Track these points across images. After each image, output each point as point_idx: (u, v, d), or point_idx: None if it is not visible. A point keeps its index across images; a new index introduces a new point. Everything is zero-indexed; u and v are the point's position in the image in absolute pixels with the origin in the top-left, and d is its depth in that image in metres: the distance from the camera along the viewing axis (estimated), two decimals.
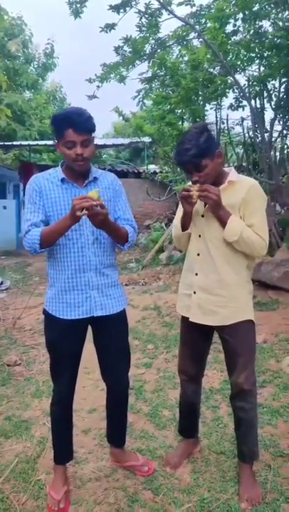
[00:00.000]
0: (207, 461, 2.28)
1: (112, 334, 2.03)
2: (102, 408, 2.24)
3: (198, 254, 2.02)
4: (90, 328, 2.04)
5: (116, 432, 2.24)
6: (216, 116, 6.54)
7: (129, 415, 2.55)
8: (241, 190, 1.90)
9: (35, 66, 16.65)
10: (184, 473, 2.19)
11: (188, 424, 2.33)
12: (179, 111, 6.86)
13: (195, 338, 2.14)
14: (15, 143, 12.77)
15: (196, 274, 2.03)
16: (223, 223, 1.89)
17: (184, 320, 2.13)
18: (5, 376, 3.39)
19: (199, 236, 2.00)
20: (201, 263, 2.00)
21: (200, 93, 6.21)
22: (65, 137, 1.78)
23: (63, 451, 2.13)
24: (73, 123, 1.76)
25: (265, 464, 2.23)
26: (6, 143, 12.58)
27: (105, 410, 2.25)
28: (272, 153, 5.93)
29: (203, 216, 1.98)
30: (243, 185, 1.92)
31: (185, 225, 2.06)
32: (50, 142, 11.80)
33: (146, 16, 5.10)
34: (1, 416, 2.79)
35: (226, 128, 6.56)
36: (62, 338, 1.96)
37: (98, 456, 2.35)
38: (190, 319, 2.06)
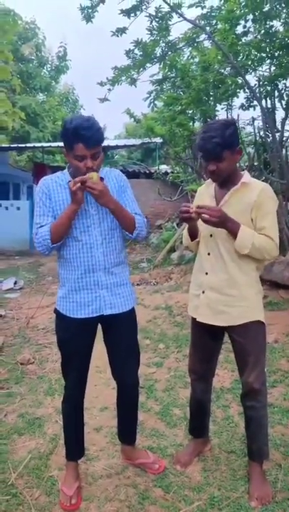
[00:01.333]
0: (217, 460, 2.30)
1: (122, 332, 2.06)
2: (113, 406, 2.28)
3: (208, 254, 2.04)
4: (100, 326, 2.08)
5: (126, 429, 2.28)
6: (227, 117, 6.54)
7: (140, 414, 2.59)
8: (253, 192, 1.92)
9: (48, 69, 16.85)
10: (194, 472, 2.22)
11: (198, 423, 2.35)
12: (190, 112, 6.86)
13: (205, 340, 2.16)
14: (28, 145, 12.95)
15: (206, 274, 2.05)
16: (233, 235, 1.90)
17: (194, 321, 2.14)
18: (18, 374, 3.45)
19: (210, 236, 2.01)
20: (212, 262, 2.02)
21: (211, 94, 6.21)
22: (74, 150, 1.80)
23: (75, 447, 2.17)
24: (83, 138, 1.76)
25: (275, 463, 2.24)
26: (19, 145, 12.77)
27: (116, 408, 2.28)
28: (283, 152, 5.90)
29: None
30: (255, 187, 1.94)
31: (193, 236, 2.10)
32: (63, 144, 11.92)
33: (157, 19, 5.11)
34: (14, 413, 2.85)
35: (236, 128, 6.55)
36: (73, 337, 2.00)
37: (109, 454, 2.39)
38: (197, 319, 2.08)
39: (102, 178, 1.88)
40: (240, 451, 2.35)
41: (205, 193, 2.13)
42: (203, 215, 1.85)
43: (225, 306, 1.99)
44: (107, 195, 1.84)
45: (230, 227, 1.89)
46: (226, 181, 1.99)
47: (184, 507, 1.97)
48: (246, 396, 2.06)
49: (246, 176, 1.99)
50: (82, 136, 1.76)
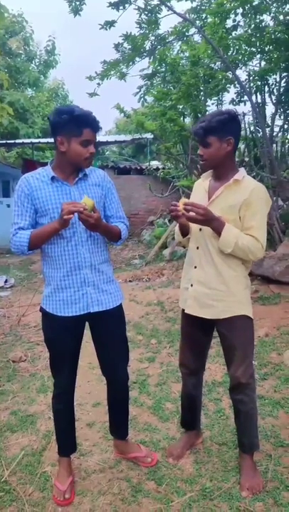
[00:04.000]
0: (209, 452, 2.33)
1: (110, 329, 2.06)
2: (106, 402, 2.28)
3: (197, 248, 2.05)
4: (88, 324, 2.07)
5: (118, 424, 2.29)
6: None
7: (133, 408, 2.61)
8: (245, 190, 1.91)
9: (37, 63, 16.66)
10: (186, 464, 2.24)
11: (189, 416, 2.37)
12: (180, 107, 6.85)
13: (195, 332, 2.17)
14: (18, 141, 12.82)
15: (195, 267, 2.06)
16: (218, 233, 1.90)
17: (184, 313, 2.16)
18: (10, 372, 3.45)
19: (200, 230, 2.02)
20: (200, 257, 2.03)
21: (201, 89, 6.20)
22: (83, 135, 1.81)
23: (66, 443, 2.19)
24: (91, 122, 1.81)
25: (266, 454, 2.27)
26: (8, 141, 12.63)
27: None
28: (273, 148, 5.93)
29: None
30: (247, 186, 1.92)
31: (184, 232, 2.11)
32: (53, 140, 11.82)
33: (146, 12, 5.10)
34: (7, 411, 2.84)
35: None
36: (60, 335, 1.99)
37: (102, 449, 2.40)
38: (186, 311, 2.10)
39: (94, 210, 1.83)
40: (231, 443, 2.38)
41: (200, 187, 2.13)
42: (189, 212, 1.86)
43: (211, 300, 2.00)
44: (100, 225, 1.85)
45: (215, 225, 1.89)
46: (219, 175, 2.00)
47: (176, 499, 2.00)
48: (234, 390, 2.07)
49: (240, 173, 1.97)
50: (92, 121, 1.80)
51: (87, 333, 2.08)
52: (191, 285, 2.07)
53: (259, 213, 1.91)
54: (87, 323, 2.07)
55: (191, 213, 1.86)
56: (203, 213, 1.85)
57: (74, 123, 1.79)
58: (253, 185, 1.93)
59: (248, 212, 1.90)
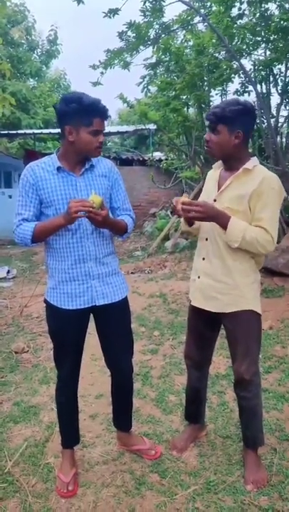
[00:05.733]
0: (213, 445, 2.31)
1: (115, 322, 2.03)
2: (109, 393, 2.27)
3: (206, 239, 2.01)
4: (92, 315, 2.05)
5: (122, 416, 2.28)
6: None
7: (136, 400, 2.59)
8: (254, 181, 1.84)
9: (39, 53, 16.50)
10: (190, 457, 2.23)
11: (193, 409, 2.35)
12: (184, 97, 6.77)
13: (201, 326, 2.15)
14: (19, 132, 12.73)
15: (203, 259, 2.03)
16: (224, 228, 1.85)
17: (191, 306, 2.14)
18: (13, 363, 3.44)
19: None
20: (208, 248, 1.99)
21: (205, 78, 6.12)
22: (93, 125, 1.76)
23: (70, 435, 2.18)
24: (101, 111, 1.77)
25: (270, 448, 2.26)
26: (10, 132, 12.55)
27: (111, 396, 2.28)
28: (278, 138, 5.86)
29: (215, 201, 1.95)
30: (257, 176, 1.85)
31: (189, 222, 2.07)
32: (55, 130, 11.78)
33: (150, 0, 5.01)
34: (9, 402, 2.84)
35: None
36: (65, 328, 1.97)
37: (106, 441, 2.40)
38: (192, 303, 2.08)
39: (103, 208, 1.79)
40: (235, 436, 2.36)
41: (212, 178, 2.08)
42: (190, 213, 1.82)
43: (217, 293, 1.96)
44: (107, 222, 1.82)
45: (220, 221, 1.84)
46: (229, 166, 1.95)
47: (180, 491, 1.99)
48: (238, 385, 2.05)
49: (251, 162, 1.89)
50: (102, 110, 1.77)
51: (90, 325, 2.05)
52: (198, 277, 2.05)
53: (270, 204, 1.83)
54: (91, 315, 2.04)
55: (192, 213, 1.82)
56: (202, 211, 1.80)
57: (83, 112, 1.74)
58: (264, 175, 1.85)
59: (258, 204, 1.83)
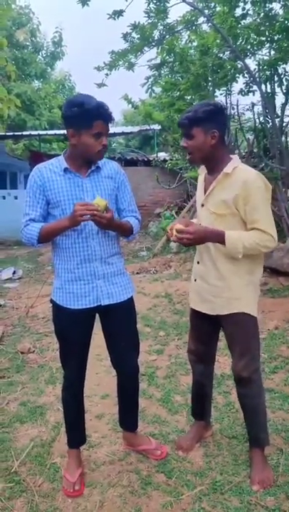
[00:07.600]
0: (219, 445, 2.31)
1: (121, 322, 2.05)
2: (115, 394, 2.28)
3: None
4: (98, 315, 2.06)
5: (128, 416, 2.28)
6: (226, 102, 6.46)
7: (142, 401, 2.60)
8: (236, 184, 1.83)
9: (44, 55, 16.58)
10: (196, 457, 2.23)
11: (198, 406, 2.36)
12: (189, 97, 6.77)
13: (201, 325, 2.18)
14: (25, 133, 12.78)
15: (198, 263, 2.07)
16: (222, 244, 1.85)
17: (191, 307, 2.19)
18: (19, 363, 3.46)
19: (200, 225, 1.98)
20: (202, 252, 2.03)
21: (209, 79, 6.11)
22: (94, 128, 1.77)
23: (76, 435, 2.18)
24: (103, 114, 1.77)
25: (276, 448, 2.25)
26: (16, 133, 12.61)
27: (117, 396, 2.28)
28: (283, 138, 5.85)
29: (203, 206, 2.00)
30: (237, 179, 1.83)
31: None
32: (60, 132, 11.81)
33: (154, 1, 5.01)
34: (16, 402, 2.85)
35: (236, 114, 6.47)
36: (70, 327, 1.99)
37: (112, 441, 2.40)
38: (190, 305, 2.14)
39: (108, 210, 1.80)
40: (241, 436, 2.36)
41: (200, 182, 2.12)
42: (182, 240, 1.82)
43: (211, 296, 2.00)
44: (113, 224, 1.83)
45: (215, 240, 1.86)
46: (211, 168, 1.96)
47: (186, 492, 1.99)
48: (238, 384, 2.06)
49: (230, 165, 1.87)
50: (103, 112, 1.77)
51: (95, 325, 2.07)
52: (195, 280, 2.10)
53: (260, 204, 1.82)
54: (97, 315, 2.05)
55: (184, 240, 1.82)
56: (193, 238, 1.81)
57: (84, 116, 1.75)
58: (245, 178, 1.81)
59: (247, 207, 1.82)
